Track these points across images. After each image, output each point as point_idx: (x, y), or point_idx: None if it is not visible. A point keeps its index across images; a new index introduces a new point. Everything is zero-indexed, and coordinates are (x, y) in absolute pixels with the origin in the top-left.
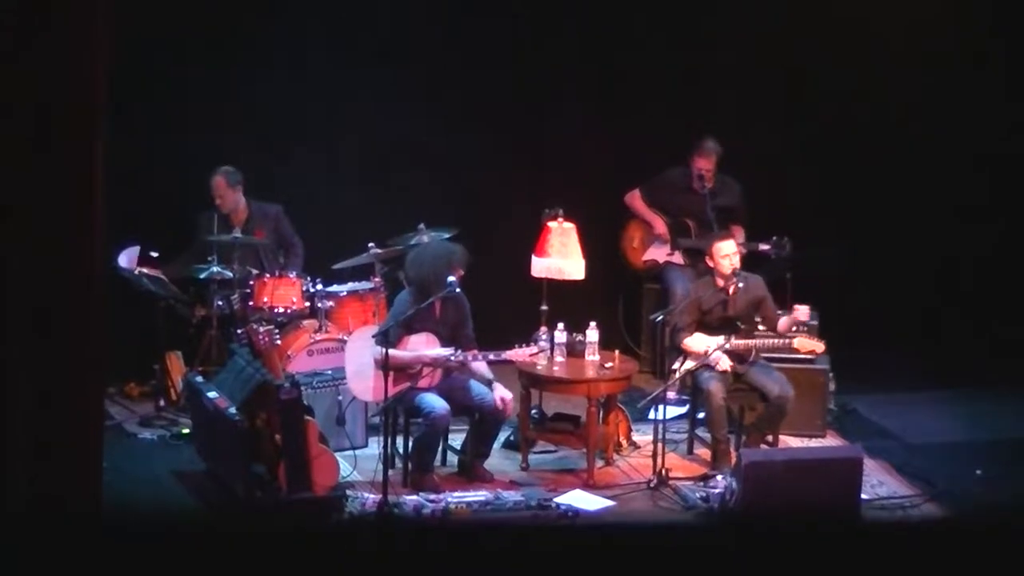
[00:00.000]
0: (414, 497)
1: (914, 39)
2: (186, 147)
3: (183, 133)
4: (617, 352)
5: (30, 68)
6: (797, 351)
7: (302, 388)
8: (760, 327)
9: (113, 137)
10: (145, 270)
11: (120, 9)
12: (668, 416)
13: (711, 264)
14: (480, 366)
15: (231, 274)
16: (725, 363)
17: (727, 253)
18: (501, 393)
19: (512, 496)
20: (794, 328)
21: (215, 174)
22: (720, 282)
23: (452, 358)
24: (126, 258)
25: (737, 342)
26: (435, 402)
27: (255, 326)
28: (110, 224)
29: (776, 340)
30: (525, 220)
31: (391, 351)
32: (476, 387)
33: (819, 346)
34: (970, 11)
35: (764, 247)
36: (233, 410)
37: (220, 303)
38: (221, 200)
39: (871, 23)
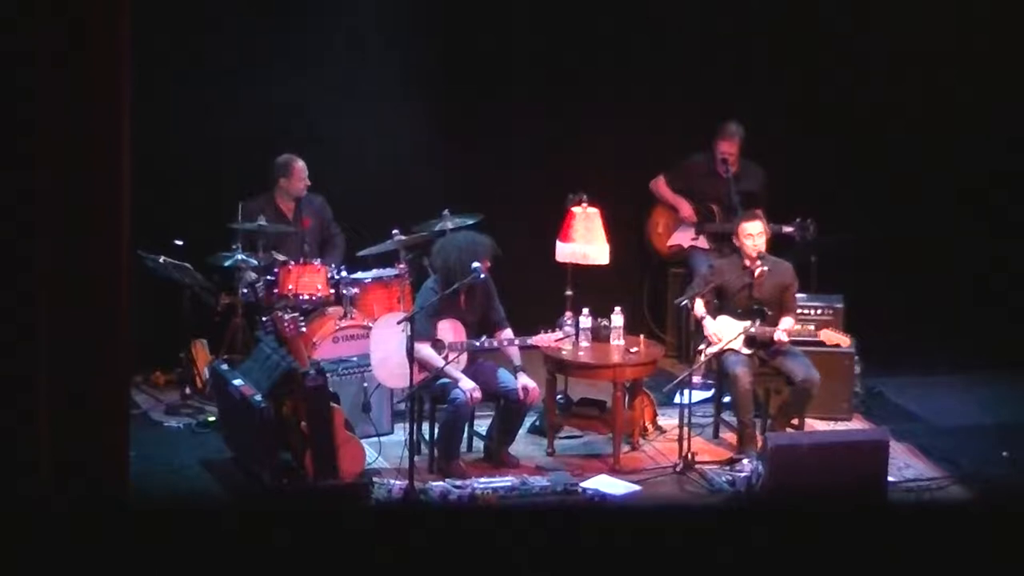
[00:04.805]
0: (440, 483)
1: (944, 25)
2: (211, 136)
3: (209, 122)
4: (642, 337)
5: (53, 60)
6: (823, 343)
7: (328, 375)
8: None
9: (139, 127)
10: (170, 259)
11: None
12: (694, 400)
13: (737, 245)
14: (511, 350)
15: (255, 262)
16: (737, 344)
17: (751, 233)
18: (524, 381)
19: (538, 481)
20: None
21: (295, 159)
22: (746, 263)
23: (467, 388)
24: None
25: (763, 328)
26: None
27: (280, 314)
28: (138, 216)
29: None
30: (549, 205)
31: (421, 347)
32: (502, 374)
33: (844, 339)
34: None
35: (788, 229)
36: (259, 398)
37: (245, 291)
38: (306, 183)
39: (905, 7)
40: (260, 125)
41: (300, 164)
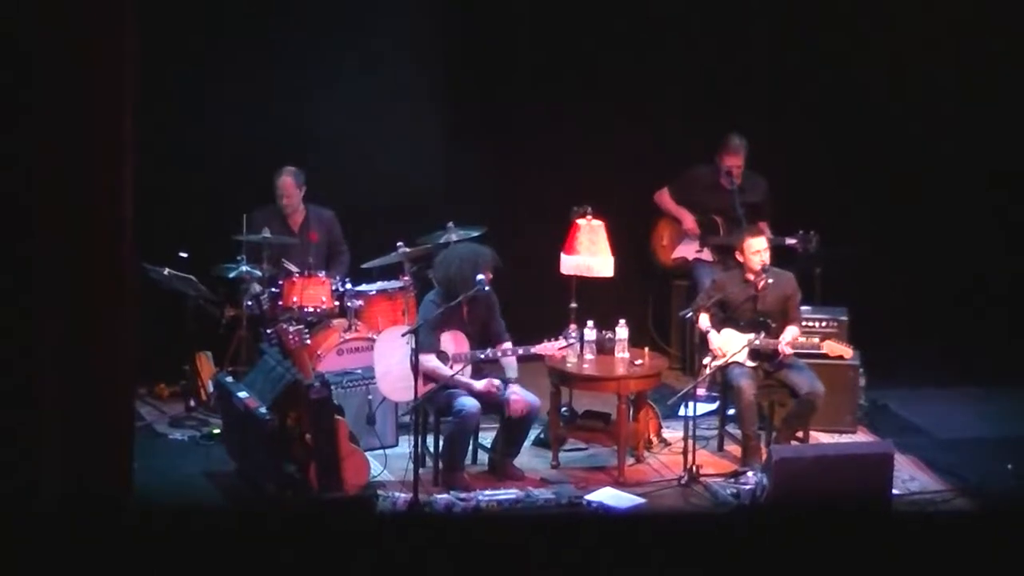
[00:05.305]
0: (445, 495)
1: (949, 35)
2: (216, 148)
3: (214, 134)
4: (647, 349)
5: (53, 60)
6: (826, 355)
7: (332, 387)
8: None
9: (139, 127)
10: (175, 271)
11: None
12: (698, 413)
13: (741, 259)
14: (508, 362)
15: (260, 273)
16: (741, 356)
17: (758, 249)
18: (512, 395)
19: (543, 494)
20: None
21: (282, 174)
22: (750, 277)
23: (480, 387)
24: None
25: (767, 340)
26: (466, 400)
27: (285, 326)
28: (140, 227)
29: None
30: (554, 218)
31: (426, 359)
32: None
33: (847, 351)
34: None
35: (791, 242)
36: (263, 410)
37: (249, 303)
38: (288, 200)
39: (904, 17)
40: (260, 127)
41: (285, 180)
